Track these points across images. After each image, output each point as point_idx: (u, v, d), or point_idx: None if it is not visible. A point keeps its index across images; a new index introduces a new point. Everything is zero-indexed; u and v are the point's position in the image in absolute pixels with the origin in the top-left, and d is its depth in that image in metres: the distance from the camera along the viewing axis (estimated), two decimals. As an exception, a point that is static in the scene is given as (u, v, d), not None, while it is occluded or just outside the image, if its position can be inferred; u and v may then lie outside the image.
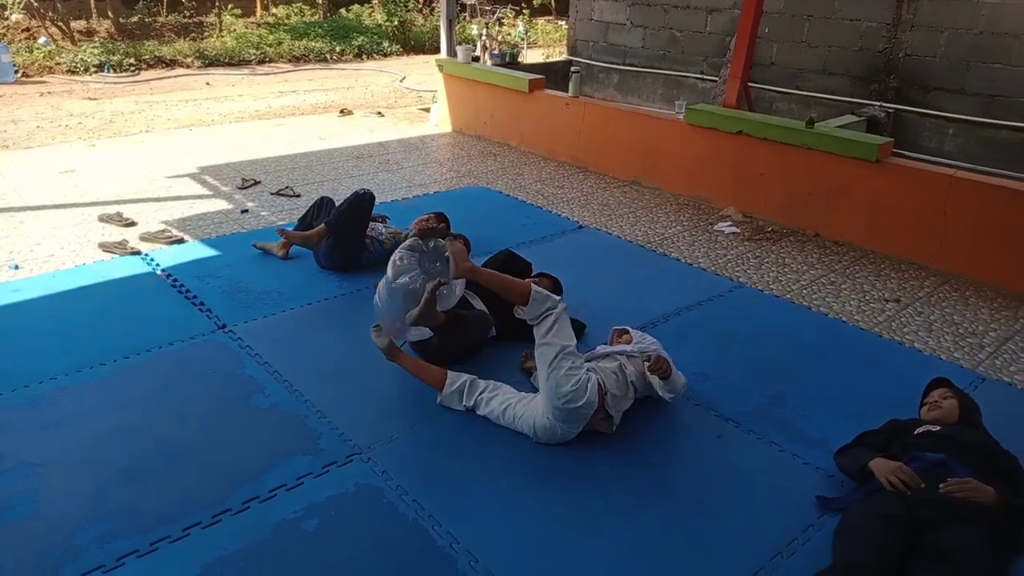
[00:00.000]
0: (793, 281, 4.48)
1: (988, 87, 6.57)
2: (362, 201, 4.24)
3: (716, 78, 8.32)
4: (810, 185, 5.20)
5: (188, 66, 11.70)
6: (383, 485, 2.61)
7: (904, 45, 7.03)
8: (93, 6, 13.58)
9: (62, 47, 11.57)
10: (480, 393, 2.98)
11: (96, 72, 10.73)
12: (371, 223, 4.46)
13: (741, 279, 4.45)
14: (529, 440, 2.86)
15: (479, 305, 3.51)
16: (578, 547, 2.39)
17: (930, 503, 2.30)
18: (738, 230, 5.27)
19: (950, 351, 3.72)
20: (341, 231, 4.23)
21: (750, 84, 6.24)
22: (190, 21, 14.33)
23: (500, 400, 2.93)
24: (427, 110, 8.80)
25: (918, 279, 4.56)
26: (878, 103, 7.23)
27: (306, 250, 4.38)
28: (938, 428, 2.60)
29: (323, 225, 4.24)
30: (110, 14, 13.11)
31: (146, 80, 10.62)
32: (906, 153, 6.63)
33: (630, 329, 3.24)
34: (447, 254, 2.92)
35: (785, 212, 5.38)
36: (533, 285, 2.79)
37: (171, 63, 11.69)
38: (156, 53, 11.75)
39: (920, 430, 2.63)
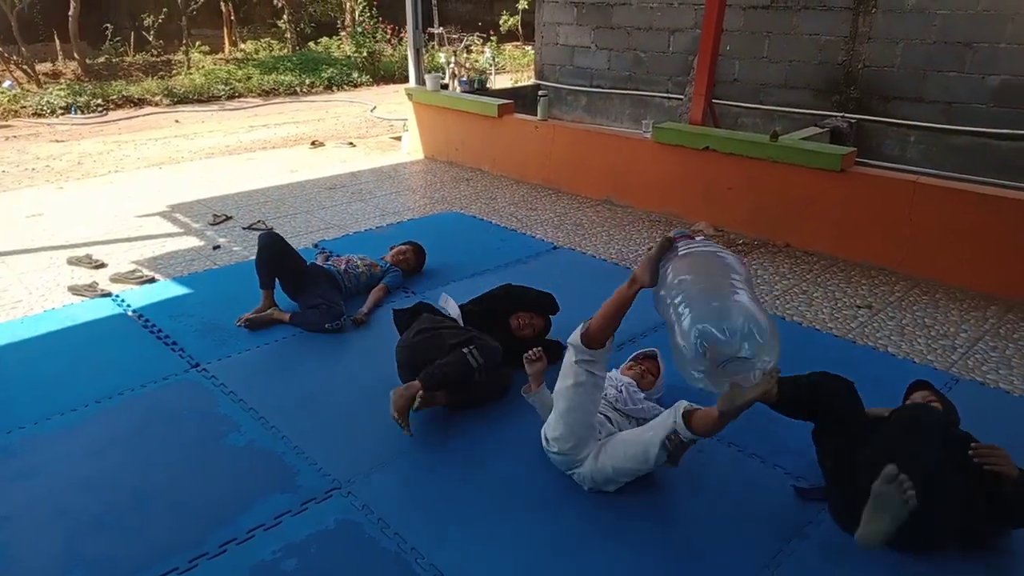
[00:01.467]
0: (766, 292, 4.52)
1: (945, 94, 6.74)
2: (259, 252, 4.03)
3: (681, 96, 8.45)
4: (778, 197, 5.27)
5: (157, 104, 11.66)
6: (364, 520, 2.57)
7: (862, 57, 7.20)
8: (59, 48, 13.52)
9: (28, 90, 11.48)
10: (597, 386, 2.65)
11: (63, 114, 10.66)
12: (327, 258, 4.47)
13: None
14: (511, 466, 2.84)
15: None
16: (563, 571, 2.37)
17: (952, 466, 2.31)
18: (710, 244, 5.31)
19: (923, 354, 3.77)
20: (289, 292, 4.12)
21: (715, 101, 6.34)
22: (158, 60, 14.32)
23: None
24: (399, 139, 8.83)
25: (888, 284, 4.62)
26: (840, 114, 7.39)
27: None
28: None
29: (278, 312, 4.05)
30: (76, 55, 13.05)
31: (114, 120, 10.56)
32: (870, 162, 6.78)
33: (658, 354, 3.22)
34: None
35: (755, 225, 5.45)
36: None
37: (139, 102, 11.65)
38: (124, 93, 11.70)
39: None
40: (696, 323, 2.15)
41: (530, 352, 2.98)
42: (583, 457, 2.64)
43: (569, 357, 2.60)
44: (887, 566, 2.35)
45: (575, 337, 2.55)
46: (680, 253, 2.41)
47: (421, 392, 2.93)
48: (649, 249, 2.48)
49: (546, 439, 2.72)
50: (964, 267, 4.50)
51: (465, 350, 3.02)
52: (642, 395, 2.99)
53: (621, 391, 2.94)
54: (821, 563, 2.39)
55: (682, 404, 2.48)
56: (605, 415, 2.81)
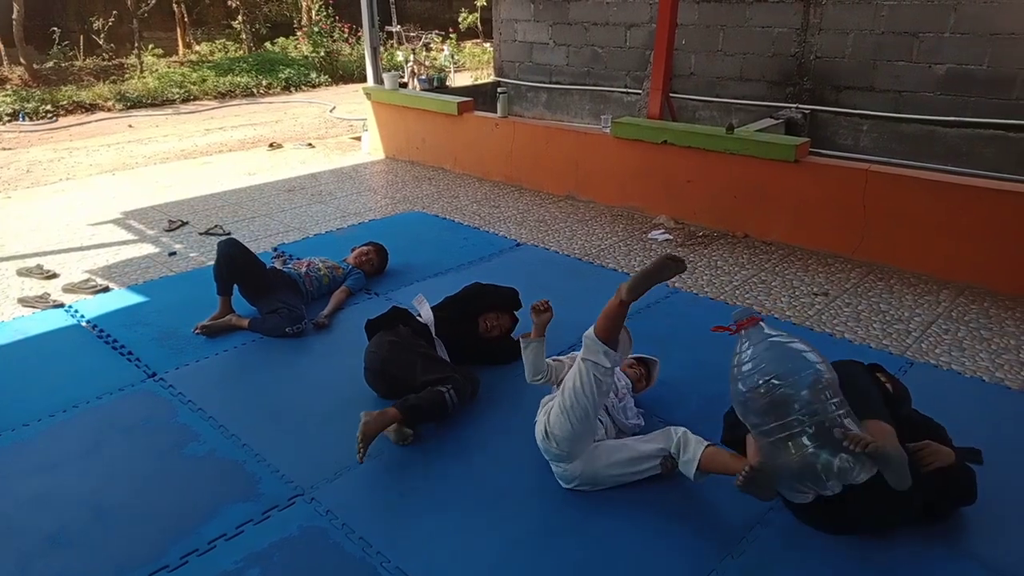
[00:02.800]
0: (726, 283, 4.58)
1: (895, 83, 6.89)
2: (218, 260, 3.96)
3: (639, 91, 8.52)
4: (735, 189, 5.34)
5: (109, 109, 11.39)
6: (328, 525, 2.55)
7: (814, 48, 7.33)
8: (3, 53, 13.11)
9: (-29, 98, 11.13)
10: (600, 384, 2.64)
11: (10, 121, 10.35)
12: (284, 261, 4.42)
13: (676, 284, 4.53)
14: (476, 466, 2.84)
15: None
16: (530, 568, 2.37)
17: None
18: (671, 237, 5.37)
19: (879, 339, 3.85)
20: (248, 297, 4.06)
21: (672, 95, 6.40)
22: (109, 64, 13.97)
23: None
24: (358, 139, 8.75)
25: (844, 271, 4.72)
26: (794, 105, 7.52)
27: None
28: None
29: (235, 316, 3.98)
30: (22, 60, 12.67)
31: (65, 126, 10.28)
32: (824, 151, 6.91)
33: (658, 366, 3.24)
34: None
35: (714, 216, 5.51)
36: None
37: (91, 107, 11.36)
38: (74, 98, 11.40)
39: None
40: (830, 479, 2.18)
41: (539, 303, 2.97)
42: (577, 455, 2.65)
43: (583, 356, 2.60)
44: (846, 549, 2.40)
45: (590, 332, 2.60)
46: (766, 344, 2.33)
47: (398, 425, 2.93)
48: (645, 270, 2.56)
49: (546, 433, 2.68)
50: (917, 252, 4.62)
51: (443, 389, 3.01)
52: (633, 407, 3.01)
53: (619, 396, 2.96)
54: (783, 549, 2.43)
55: (692, 439, 2.58)
56: (600, 419, 2.80)
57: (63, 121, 10.64)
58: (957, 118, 6.59)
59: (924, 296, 4.34)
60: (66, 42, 13.80)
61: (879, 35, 6.86)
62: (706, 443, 2.58)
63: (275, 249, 5.19)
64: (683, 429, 2.64)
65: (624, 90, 9.01)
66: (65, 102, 11.24)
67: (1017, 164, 6.27)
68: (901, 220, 4.64)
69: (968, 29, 6.35)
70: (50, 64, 13.41)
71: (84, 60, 13.99)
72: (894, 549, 2.40)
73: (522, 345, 2.92)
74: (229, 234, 5.59)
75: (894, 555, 2.38)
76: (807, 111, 7.43)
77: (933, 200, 4.51)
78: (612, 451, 2.67)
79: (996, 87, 6.33)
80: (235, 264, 3.96)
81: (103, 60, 14.07)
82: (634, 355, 3.28)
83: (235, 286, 4.02)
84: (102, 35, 13.96)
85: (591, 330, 2.59)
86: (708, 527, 2.53)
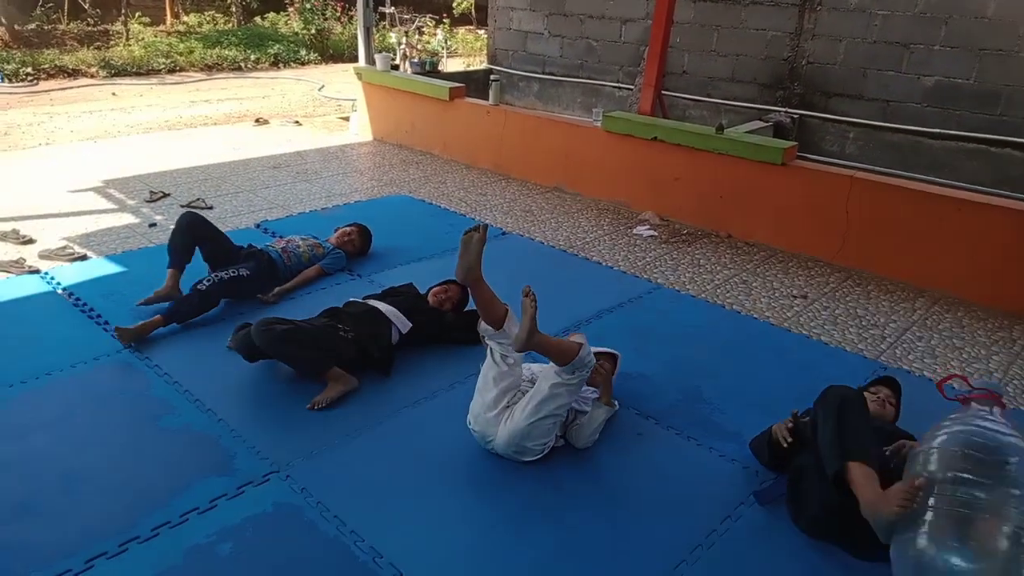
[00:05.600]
0: (708, 281, 4.62)
1: (883, 93, 6.96)
2: (175, 232, 3.91)
3: (631, 86, 8.52)
4: (721, 188, 5.38)
5: (92, 76, 11.17)
6: (303, 503, 2.54)
7: (807, 54, 7.38)
8: (-16, 12, 12.80)
9: (-50, 55, 10.87)
10: (506, 359, 2.74)
11: (-11, 81, 10.12)
12: (285, 238, 4.38)
13: (659, 280, 4.56)
14: (453, 449, 2.85)
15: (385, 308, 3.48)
16: (503, 553, 2.39)
17: None
18: (656, 233, 5.40)
19: (854, 343, 3.91)
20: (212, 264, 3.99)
21: (664, 92, 6.41)
22: (94, 29, 13.69)
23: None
24: (347, 119, 8.68)
25: (824, 275, 4.77)
26: (784, 109, 7.56)
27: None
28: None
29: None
30: (3, 20, 12.38)
31: (46, 90, 10.07)
32: (810, 156, 6.97)
33: (619, 359, 3.24)
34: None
35: (699, 215, 5.55)
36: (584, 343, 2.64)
37: (73, 73, 11.14)
38: (57, 62, 11.16)
39: None
40: None
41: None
42: (494, 431, 2.72)
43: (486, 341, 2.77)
44: (814, 546, 2.44)
45: (481, 323, 2.73)
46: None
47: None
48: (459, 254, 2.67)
49: (468, 421, 2.84)
50: (896, 260, 4.68)
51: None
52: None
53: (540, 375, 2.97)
54: (752, 542, 2.47)
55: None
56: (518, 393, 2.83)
57: (44, 85, 10.42)
58: (942, 130, 6.67)
59: (900, 303, 4.41)
60: (50, 4, 13.51)
61: (871, 44, 6.92)
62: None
63: (259, 225, 5.14)
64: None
65: (616, 84, 9.01)
66: (47, 66, 11.01)
67: (999, 179, 6.37)
68: (882, 228, 4.71)
69: (958, 43, 6.43)
70: (32, 26, 13.12)
71: (68, 24, 13.69)
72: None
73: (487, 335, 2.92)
74: (211, 207, 5.53)
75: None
76: (796, 115, 7.48)
77: (914, 210, 4.58)
78: (519, 404, 2.71)
79: (982, 102, 6.42)
80: (196, 232, 3.94)
81: (88, 25, 13.78)
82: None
83: (192, 254, 3.95)
84: (87, 0, 13.68)
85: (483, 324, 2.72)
86: (680, 519, 2.56)
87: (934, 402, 3.35)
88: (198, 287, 3.72)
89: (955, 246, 4.44)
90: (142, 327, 3.49)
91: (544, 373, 2.71)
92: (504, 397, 2.74)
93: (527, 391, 2.76)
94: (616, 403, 3.01)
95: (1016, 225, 4.24)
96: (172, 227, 3.99)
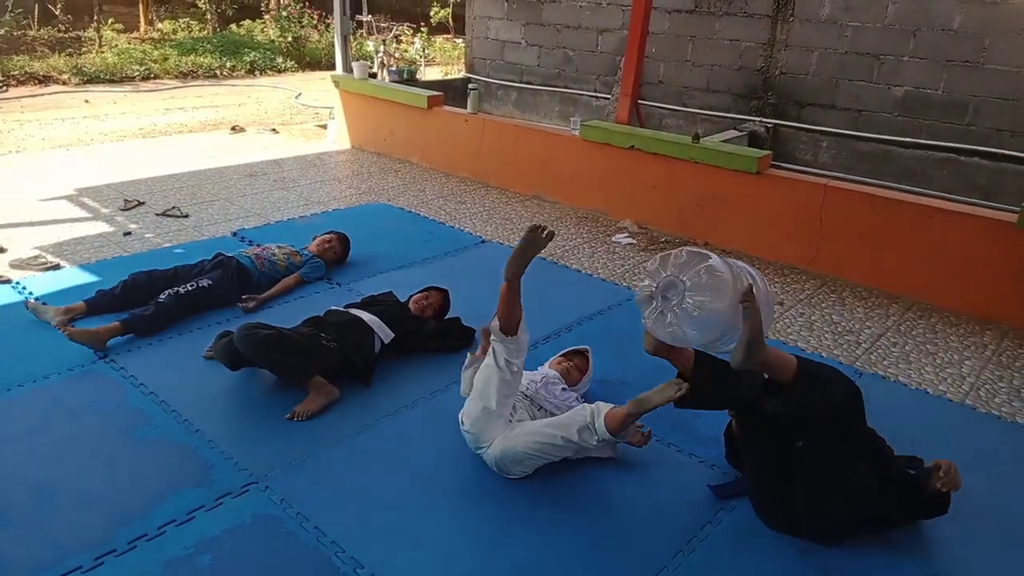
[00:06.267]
0: (686, 288, 4.65)
1: (855, 102, 7.10)
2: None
3: (608, 96, 8.60)
4: (698, 197, 5.44)
5: (64, 83, 11.01)
6: (282, 514, 2.52)
7: (780, 64, 7.50)
8: (-48, 18, 12.58)
9: (-84, 61, 10.66)
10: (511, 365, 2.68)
11: (-43, 88, 9.93)
12: (261, 246, 4.36)
13: (638, 288, 4.58)
14: (433, 459, 2.84)
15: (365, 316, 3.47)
16: (484, 560, 2.38)
17: None
18: (634, 241, 5.44)
19: (830, 348, 3.97)
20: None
21: (640, 102, 6.48)
22: (66, 36, 13.50)
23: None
24: (324, 127, 8.64)
25: (799, 282, 4.84)
26: (758, 119, 7.67)
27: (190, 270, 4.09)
28: None
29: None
30: (-28, 26, 12.18)
31: (16, 97, 9.91)
32: (784, 165, 7.07)
33: (589, 352, 3.27)
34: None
35: (676, 223, 5.60)
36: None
37: (44, 79, 10.97)
38: (27, 68, 11.00)
39: None
40: None
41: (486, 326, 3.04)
42: (490, 437, 2.70)
43: (492, 343, 2.69)
44: (795, 550, 2.47)
45: (493, 323, 2.67)
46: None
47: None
48: (518, 247, 2.63)
49: (461, 420, 2.81)
50: (869, 267, 4.77)
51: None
52: (561, 387, 3.03)
53: (539, 382, 2.98)
54: (732, 548, 2.49)
55: (603, 407, 2.60)
56: (517, 403, 2.84)
57: (14, 92, 10.25)
58: (912, 140, 6.81)
59: (875, 309, 4.48)
60: (20, 9, 13.29)
61: (842, 55, 7.05)
62: (610, 406, 2.61)
63: (235, 234, 5.10)
64: (597, 403, 2.66)
65: (593, 94, 9.08)
66: (16, 72, 10.84)
67: (968, 187, 6.52)
68: (856, 235, 4.79)
69: (926, 55, 6.57)
70: (1, 32, 12.90)
71: (38, 30, 13.48)
72: (835, 549, 2.48)
73: (464, 364, 2.99)
74: (187, 215, 5.47)
75: (835, 554, 2.46)
76: (770, 125, 7.59)
77: (887, 218, 4.66)
78: (526, 428, 2.70)
79: (950, 112, 6.56)
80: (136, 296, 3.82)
81: (59, 31, 13.59)
82: (563, 351, 3.34)
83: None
84: (59, 5, 13.49)
85: (493, 319, 2.65)
86: (661, 525, 2.57)
87: (909, 408, 3.43)
88: (158, 299, 3.69)
89: (927, 253, 4.53)
90: (96, 332, 3.44)
91: (563, 422, 2.65)
92: (506, 405, 2.71)
93: (523, 401, 2.80)
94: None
95: (986, 233, 4.34)
96: (148, 235, 3.94)
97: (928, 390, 3.59)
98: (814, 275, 4.94)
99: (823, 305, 4.51)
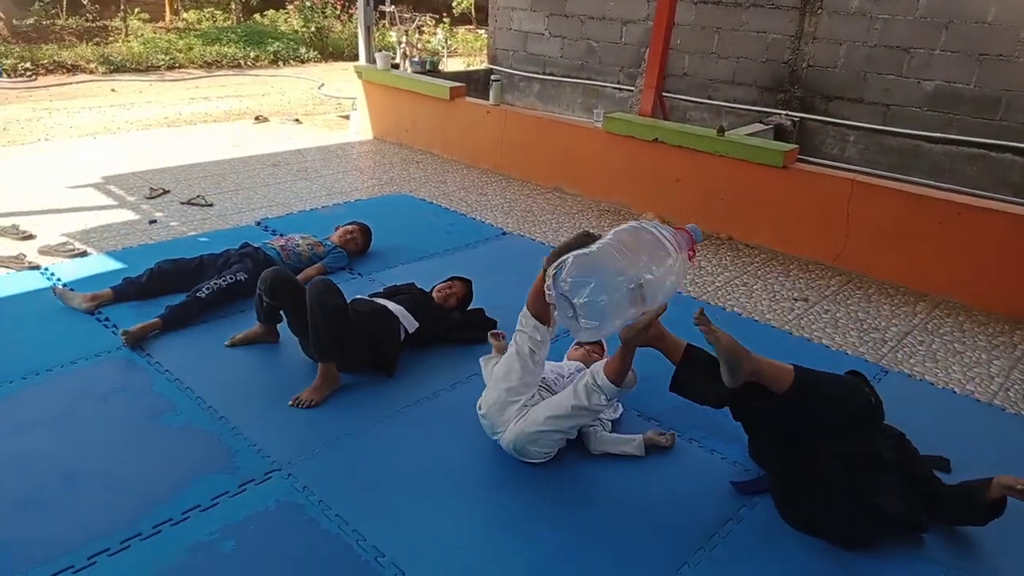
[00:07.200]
0: (709, 283, 4.62)
1: (883, 96, 6.98)
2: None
3: (632, 88, 8.53)
4: (722, 191, 5.38)
5: (91, 72, 11.14)
6: (304, 501, 2.54)
7: (807, 57, 7.39)
8: (-17, 7, 12.76)
9: (-52, 50, 10.84)
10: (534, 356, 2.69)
11: (-13, 76, 10.09)
12: (285, 236, 4.39)
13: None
14: (455, 449, 2.85)
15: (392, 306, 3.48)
16: (504, 552, 2.38)
17: None
18: (657, 234, 5.39)
19: (855, 346, 3.92)
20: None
21: (664, 94, 6.42)
22: (93, 25, 13.65)
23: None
24: (347, 117, 8.67)
25: (824, 278, 4.78)
26: (784, 112, 7.57)
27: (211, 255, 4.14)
28: None
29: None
30: (1, 15, 12.35)
31: (44, 86, 10.04)
32: (811, 159, 6.96)
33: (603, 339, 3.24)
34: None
35: (700, 217, 5.53)
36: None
37: (72, 68, 11.11)
38: (55, 57, 11.14)
39: None
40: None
41: (495, 331, 3.30)
42: (506, 422, 2.70)
43: (518, 330, 2.69)
44: (817, 548, 2.45)
45: (532, 320, 2.65)
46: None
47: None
48: (564, 243, 2.53)
49: (479, 406, 2.81)
50: (895, 264, 4.69)
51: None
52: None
53: (566, 376, 2.97)
54: (755, 545, 2.47)
55: (601, 363, 2.64)
56: (538, 393, 2.83)
57: (43, 80, 10.39)
58: (942, 135, 6.69)
59: (901, 307, 4.42)
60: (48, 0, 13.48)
61: (871, 48, 6.93)
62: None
63: (259, 223, 5.14)
64: (594, 364, 2.67)
65: (617, 86, 9.01)
66: (46, 61, 10.98)
67: (998, 183, 6.39)
68: (883, 231, 4.72)
69: (958, 48, 6.44)
70: (31, 21, 13.08)
71: (67, 19, 13.65)
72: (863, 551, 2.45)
73: (481, 362, 3.09)
74: (211, 204, 5.52)
75: (858, 554, 2.43)
76: (796, 119, 7.49)
77: (915, 214, 4.59)
78: (538, 409, 2.69)
79: (982, 107, 6.43)
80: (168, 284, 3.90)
81: (87, 21, 13.75)
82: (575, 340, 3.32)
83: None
84: (87, -5, 13.64)
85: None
86: (683, 521, 2.56)
87: (936, 407, 3.38)
88: (198, 295, 3.72)
89: (956, 250, 4.45)
90: (142, 329, 3.48)
91: (570, 390, 2.66)
92: (524, 393, 2.71)
93: (542, 391, 2.79)
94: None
95: (1016, 230, 4.25)
96: (173, 224, 3.97)
97: (955, 390, 3.53)
98: (840, 271, 4.88)
99: (848, 302, 4.46)
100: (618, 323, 2.29)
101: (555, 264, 2.27)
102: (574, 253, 2.27)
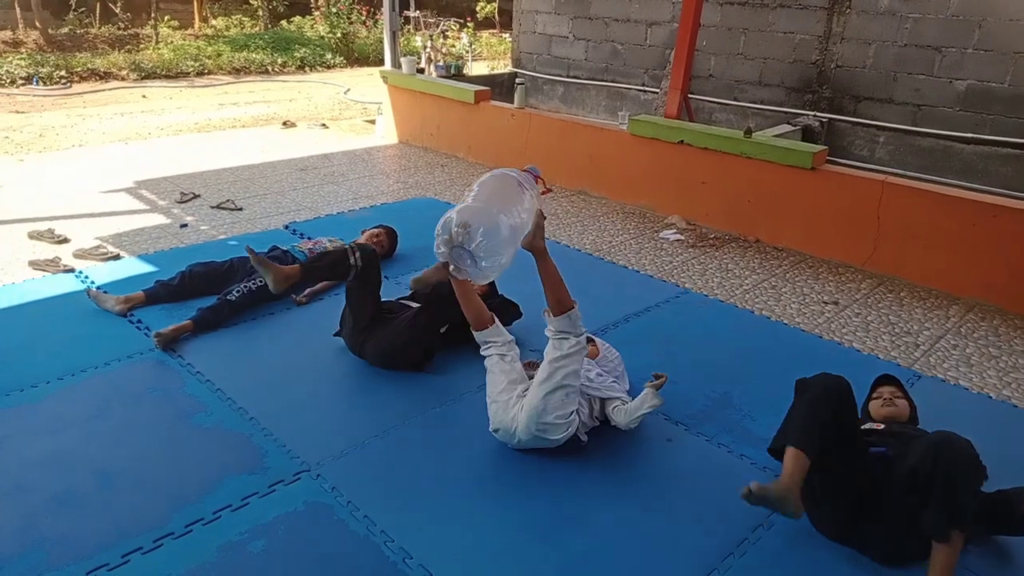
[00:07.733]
0: (736, 286, 4.58)
1: (914, 97, 6.87)
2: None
3: (657, 90, 8.49)
4: (749, 193, 5.33)
5: (123, 78, 11.36)
6: (333, 502, 2.55)
7: (835, 57, 7.30)
8: (19, 16, 13.08)
9: (-14, 59, 11.12)
10: (504, 358, 2.91)
11: (24, 84, 10.33)
12: (313, 239, 4.44)
13: (686, 285, 4.53)
14: (482, 451, 2.85)
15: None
16: (532, 556, 2.38)
17: None
18: (682, 237, 5.37)
19: (887, 350, 3.85)
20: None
21: (690, 96, 6.38)
22: (125, 33, 13.95)
23: (503, 379, 2.85)
24: (372, 122, 8.74)
25: (855, 282, 4.71)
26: (812, 113, 7.49)
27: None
28: (882, 427, 2.68)
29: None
30: (38, 24, 12.65)
31: (78, 93, 10.26)
32: (840, 160, 6.87)
33: (596, 339, 3.24)
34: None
35: (727, 219, 5.50)
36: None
37: (105, 75, 11.34)
38: (89, 65, 11.38)
39: (865, 426, 2.71)
40: None
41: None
42: (514, 420, 2.74)
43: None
44: (848, 555, 2.41)
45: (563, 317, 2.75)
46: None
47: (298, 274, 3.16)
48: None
49: (490, 425, 2.86)
50: (928, 267, 4.61)
51: (350, 247, 3.29)
52: (596, 372, 3.01)
53: (592, 376, 2.96)
54: (786, 551, 2.43)
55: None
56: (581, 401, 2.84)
57: (77, 88, 10.62)
58: (975, 135, 6.57)
59: (934, 310, 4.34)
60: (82, 8, 13.78)
61: (901, 47, 6.83)
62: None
63: (287, 227, 5.19)
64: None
65: (641, 88, 8.98)
66: (80, 69, 11.22)
67: (1033, 184, 6.26)
68: (914, 234, 4.64)
69: (991, 46, 6.32)
70: (66, 30, 13.39)
71: (100, 28, 13.96)
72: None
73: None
74: (240, 208, 5.59)
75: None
76: (824, 120, 7.40)
77: (947, 215, 4.50)
78: (530, 388, 2.75)
79: (1016, 106, 6.30)
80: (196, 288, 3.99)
81: (119, 29, 14.05)
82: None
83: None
84: (119, 3, 13.91)
85: (559, 317, 2.71)
86: (712, 527, 2.53)
87: (971, 413, 3.32)
88: (228, 298, 3.76)
89: (990, 253, 4.35)
90: (174, 331, 3.53)
91: (545, 353, 2.76)
92: (514, 389, 2.80)
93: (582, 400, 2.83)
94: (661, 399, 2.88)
95: (1054, 232, 4.16)
96: (204, 227, 4.04)
97: (991, 394, 3.46)
98: (870, 274, 4.81)
99: (880, 305, 4.39)
100: (511, 251, 2.51)
101: (440, 226, 2.48)
102: (456, 208, 2.49)
